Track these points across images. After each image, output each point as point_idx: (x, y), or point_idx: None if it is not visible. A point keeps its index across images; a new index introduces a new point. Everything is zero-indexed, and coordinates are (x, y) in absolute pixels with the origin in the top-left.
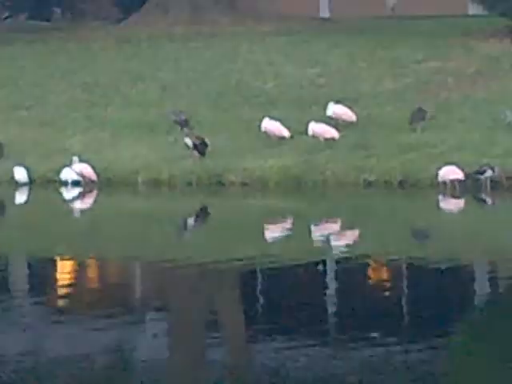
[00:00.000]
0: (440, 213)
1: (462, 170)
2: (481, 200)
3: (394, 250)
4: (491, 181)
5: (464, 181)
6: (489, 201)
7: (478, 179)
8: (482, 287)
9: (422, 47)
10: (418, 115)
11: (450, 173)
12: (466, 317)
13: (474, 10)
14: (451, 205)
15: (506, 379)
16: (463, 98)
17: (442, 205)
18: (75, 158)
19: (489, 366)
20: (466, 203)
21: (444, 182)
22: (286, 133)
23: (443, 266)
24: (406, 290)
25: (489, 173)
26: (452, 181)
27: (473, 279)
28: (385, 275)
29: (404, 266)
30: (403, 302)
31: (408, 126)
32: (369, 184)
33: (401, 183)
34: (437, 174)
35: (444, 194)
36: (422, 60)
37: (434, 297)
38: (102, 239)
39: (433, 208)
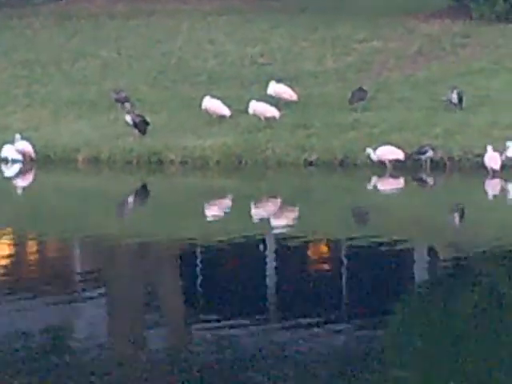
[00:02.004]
0: (379, 193)
1: (401, 149)
2: (421, 180)
3: (333, 230)
4: (432, 161)
5: (403, 161)
6: (429, 181)
7: (419, 159)
8: (419, 267)
9: (364, 27)
10: (359, 95)
11: (388, 153)
12: (404, 296)
13: None
14: (390, 185)
15: (441, 357)
16: (404, 78)
17: (381, 185)
18: (17, 136)
19: (425, 344)
20: (405, 183)
21: (382, 162)
22: (226, 111)
23: (381, 246)
24: (344, 269)
25: (429, 153)
26: (390, 161)
27: (410, 259)
28: (324, 254)
29: (342, 246)
30: (342, 280)
31: (348, 105)
32: (309, 163)
33: (341, 163)
34: (368, 154)
35: (383, 174)
36: (364, 40)
37: (372, 276)
38: (41, 217)
39: (371, 188)
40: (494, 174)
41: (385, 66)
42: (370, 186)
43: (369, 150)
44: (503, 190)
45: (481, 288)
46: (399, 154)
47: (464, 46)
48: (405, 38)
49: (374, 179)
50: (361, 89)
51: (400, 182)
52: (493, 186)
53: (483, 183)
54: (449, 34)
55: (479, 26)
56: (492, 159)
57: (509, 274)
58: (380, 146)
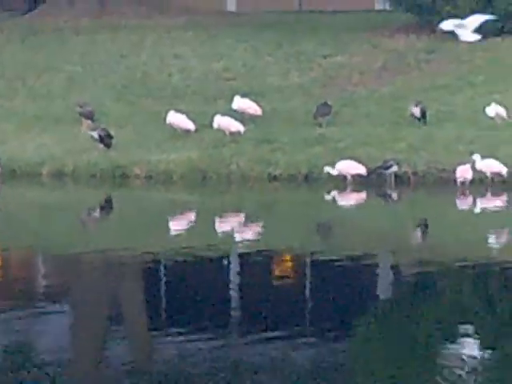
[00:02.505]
0: (343, 208)
1: (364, 164)
2: (385, 195)
3: (297, 244)
4: (396, 176)
5: (367, 175)
6: (393, 196)
7: (383, 174)
8: (383, 281)
9: (328, 42)
10: (323, 110)
11: (349, 167)
12: (367, 310)
13: (380, 5)
14: (354, 200)
15: (405, 371)
16: (368, 93)
17: (345, 200)
18: None
19: (388, 359)
20: (369, 198)
21: (345, 177)
22: (191, 126)
23: (344, 260)
24: (308, 284)
25: (394, 168)
26: (352, 175)
27: (374, 273)
28: (287, 269)
29: (306, 260)
30: (306, 295)
31: (313, 120)
32: (274, 178)
33: (306, 177)
34: (328, 172)
35: (346, 189)
36: (328, 55)
37: (335, 291)
38: (4, 231)
39: (335, 203)
40: (464, 186)
41: (349, 81)
42: (333, 201)
43: (327, 168)
44: (469, 205)
45: (444, 303)
46: (360, 169)
47: (428, 62)
48: (369, 54)
49: (338, 194)
50: (325, 104)
51: (364, 197)
52: (459, 201)
53: (448, 198)
54: (413, 50)
55: (443, 41)
56: (464, 171)
57: (472, 290)
58: (340, 160)
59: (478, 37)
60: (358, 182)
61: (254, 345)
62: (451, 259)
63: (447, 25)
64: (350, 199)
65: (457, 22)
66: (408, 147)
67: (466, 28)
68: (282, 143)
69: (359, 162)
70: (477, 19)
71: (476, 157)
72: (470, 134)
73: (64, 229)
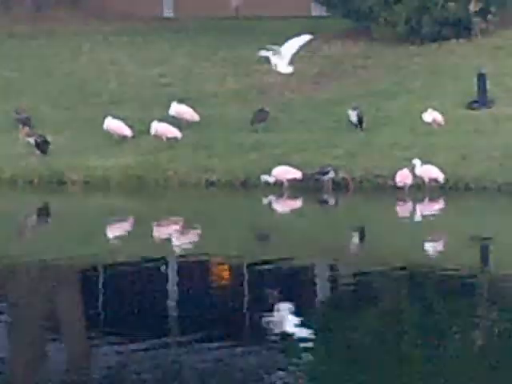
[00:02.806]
0: (279, 213)
1: (301, 170)
2: (322, 201)
3: (234, 250)
4: (333, 181)
5: (305, 181)
6: (330, 201)
7: (320, 180)
8: (321, 286)
9: (265, 48)
10: (260, 116)
11: (285, 173)
12: (306, 314)
13: (317, 11)
14: (291, 205)
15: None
16: (305, 99)
17: (283, 205)
18: None
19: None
20: (307, 204)
21: (282, 183)
22: (128, 132)
23: (282, 265)
24: (246, 289)
25: (331, 173)
26: (288, 180)
27: (312, 278)
28: (225, 274)
29: (244, 266)
30: (243, 299)
31: (250, 126)
32: (211, 184)
33: (243, 183)
34: (265, 181)
35: (283, 195)
36: (265, 61)
37: (274, 295)
38: None
39: (272, 208)
40: (404, 191)
41: (286, 87)
42: (271, 207)
43: (264, 177)
44: (406, 210)
45: (381, 306)
46: (296, 174)
47: (365, 68)
48: (306, 60)
49: (275, 200)
50: (262, 110)
51: (301, 203)
52: (396, 206)
53: (385, 203)
54: (350, 56)
55: (380, 47)
56: (404, 176)
57: (407, 293)
58: (276, 166)
59: (290, 70)
60: (295, 188)
61: (192, 349)
62: (388, 264)
63: (264, 52)
64: (287, 205)
65: (274, 48)
66: (345, 153)
67: (282, 57)
68: (219, 149)
69: (296, 168)
70: (293, 46)
71: (416, 161)
72: (406, 139)
73: (0, 235)
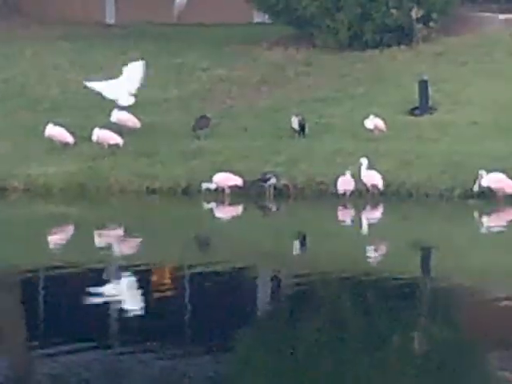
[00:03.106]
0: (222, 220)
1: (243, 177)
2: (264, 208)
3: (176, 257)
4: (275, 188)
5: (247, 188)
6: (272, 208)
7: (262, 187)
8: (262, 293)
9: (208, 55)
10: (202, 122)
11: (226, 179)
12: (246, 323)
13: (259, 18)
14: (233, 212)
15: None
16: (247, 106)
17: (224, 212)
18: None
19: (269, 368)
20: (248, 211)
21: (223, 189)
22: (70, 139)
23: (224, 273)
24: (188, 296)
25: (273, 180)
26: (230, 187)
27: (253, 285)
28: (167, 282)
29: (186, 273)
30: (186, 308)
31: (192, 133)
32: (153, 191)
33: (184, 190)
34: (207, 188)
35: (224, 202)
36: (207, 68)
37: (215, 303)
38: None
39: (214, 215)
40: (345, 198)
41: (228, 94)
42: (213, 214)
43: (205, 185)
44: (348, 217)
45: (321, 313)
46: (237, 181)
47: (307, 74)
48: (248, 66)
49: (217, 207)
50: (204, 117)
51: (243, 210)
52: (338, 213)
53: (326, 210)
54: (292, 62)
55: (322, 54)
56: (345, 182)
57: (350, 300)
58: (217, 173)
59: (131, 101)
60: (237, 195)
61: (133, 357)
62: (329, 271)
63: (91, 83)
64: (229, 212)
65: (103, 83)
66: (287, 160)
67: (122, 89)
68: (161, 156)
69: (238, 174)
70: (133, 78)
71: (363, 160)
72: (348, 146)
73: None
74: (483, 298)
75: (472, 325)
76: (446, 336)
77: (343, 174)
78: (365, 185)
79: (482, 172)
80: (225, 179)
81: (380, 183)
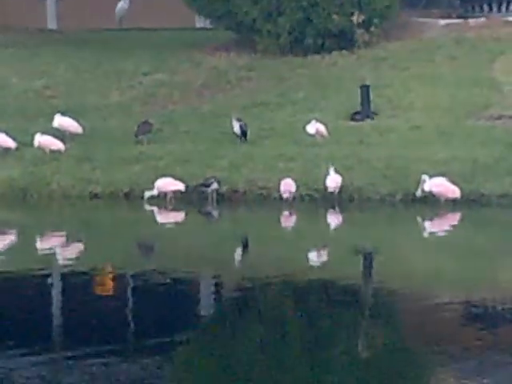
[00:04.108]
0: (165, 226)
1: (185, 182)
2: (206, 213)
3: (119, 263)
4: (217, 193)
5: (189, 193)
6: (214, 213)
7: (204, 192)
8: (205, 299)
9: (149, 60)
10: (144, 128)
11: (168, 184)
12: (190, 329)
13: (201, 23)
14: (175, 217)
15: None
16: (189, 111)
17: (167, 217)
18: None
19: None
20: (190, 216)
21: (164, 194)
22: (11, 144)
23: (167, 278)
24: (130, 303)
25: (214, 185)
26: (174, 192)
27: (196, 291)
28: (110, 288)
29: (128, 279)
30: (128, 314)
31: (134, 138)
32: (95, 196)
33: (126, 195)
34: (150, 195)
35: (165, 207)
36: (149, 72)
37: (158, 309)
38: None
39: (157, 221)
40: (288, 201)
41: (170, 99)
42: (155, 219)
43: (147, 194)
44: (290, 222)
45: (263, 318)
46: (179, 185)
47: (249, 79)
48: (190, 71)
49: (159, 212)
50: (146, 122)
51: (185, 215)
52: (280, 217)
53: (268, 215)
54: (234, 67)
55: (264, 59)
56: (287, 185)
57: (291, 305)
58: (159, 178)
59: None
60: (180, 200)
61: (76, 362)
62: (271, 276)
63: None
64: (171, 217)
65: None
66: (229, 165)
67: None
68: (103, 161)
69: (180, 179)
70: None
71: (331, 171)
72: (290, 151)
73: None
74: (425, 302)
75: (413, 329)
76: (387, 340)
77: (284, 178)
78: (326, 189)
79: (425, 177)
80: (167, 184)
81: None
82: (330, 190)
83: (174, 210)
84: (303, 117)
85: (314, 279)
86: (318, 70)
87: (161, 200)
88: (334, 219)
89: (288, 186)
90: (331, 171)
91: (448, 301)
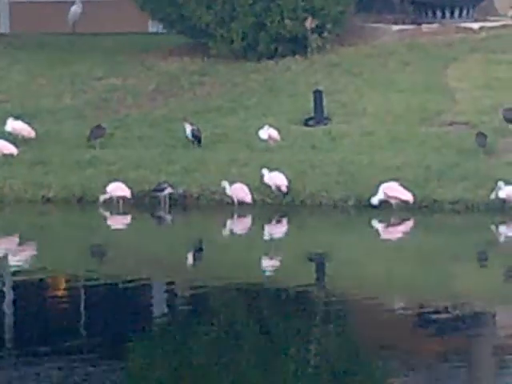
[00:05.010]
0: (118, 230)
1: (138, 187)
2: (159, 217)
3: (72, 267)
4: (170, 198)
5: (138, 198)
6: (167, 218)
7: (157, 197)
8: (158, 303)
9: (102, 64)
10: (97, 132)
11: (117, 189)
12: (143, 333)
13: (154, 28)
14: (128, 222)
15: None
16: (142, 116)
17: (119, 222)
18: None
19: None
20: (143, 221)
21: (111, 199)
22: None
23: (119, 283)
24: (83, 307)
25: (167, 190)
26: (120, 197)
27: (149, 296)
28: (62, 292)
29: (81, 283)
30: (81, 318)
31: (87, 142)
32: (47, 200)
33: (79, 200)
34: (104, 200)
35: (118, 211)
36: (102, 77)
37: (111, 314)
38: None
39: (111, 225)
40: (241, 208)
41: (123, 104)
42: (107, 224)
43: (101, 197)
44: (244, 227)
45: (216, 324)
46: (126, 192)
47: (202, 84)
48: (143, 76)
49: (112, 217)
50: (99, 126)
51: (138, 219)
52: (235, 223)
53: (221, 220)
54: (187, 72)
55: (217, 64)
56: (238, 189)
57: (243, 311)
58: (110, 182)
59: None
60: (134, 205)
61: (29, 366)
62: (224, 282)
63: None
64: (123, 222)
65: None
66: (182, 170)
67: None
68: (56, 165)
69: (133, 184)
70: None
71: (265, 171)
72: (243, 156)
73: None
74: (376, 308)
75: (364, 335)
76: (337, 345)
77: (234, 182)
78: (270, 187)
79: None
80: (115, 189)
81: (284, 183)
82: (273, 187)
83: (127, 214)
84: (256, 122)
85: (266, 284)
86: (271, 75)
87: (115, 205)
88: (286, 225)
89: (237, 191)
90: (265, 172)
91: (400, 306)
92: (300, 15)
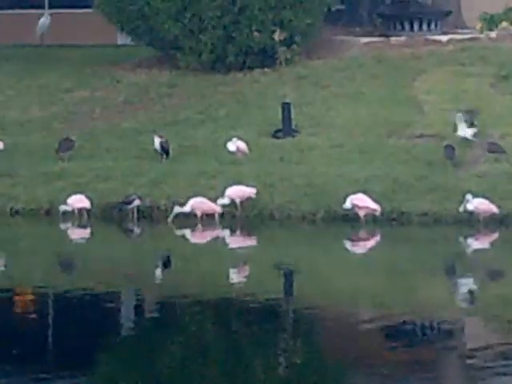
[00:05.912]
0: (85, 243)
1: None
2: (127, 230)
3: (39, 280)
4: (138, 210)
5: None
6: (136, 230)
7: (125, 209)
8: (126, 316)
9: (70, 76)
10: (66, 144)
11: (78, 201)
12: (110, 345)
13: (123, 40)
14: (96, 235)
15: None
16: (110, 127)
17: (85, 235)
18: None
19: None
20: (113, 233)
21: (73, 211)
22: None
23: (87, 296)
24: (51, 320)
25: (136, 202)
26: (80, 209)
27: (117, 308)
28: (30, 305)
29: (49, 296)
30: (49, 331)
31: (55, 154)
32: (16, 212)
33: (47, 212)
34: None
35: (85, 224)
36: (70, 89)
37: (78, 326)
38: None
39: (76, 238)
40: (209, 220)
41: (91, 116)
42: (74, 236)
43: (62, 207)
44: (213, 239)
45: (183, 337)
46: (85, 203)
47: (170, 96)
48: (111, 88)
49: (79, 229)
50: (68, 138)
51: (106, 232)
52: (204, 235)
53: (190, 232)
54: (155, 84)
55: (186, 76)
56: (198, 203)
57: (211, 324)
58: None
59: None
60: (102, 217)
61: None
62: (192, 294)
63: None
64: (90, 235)
65: None
66: (150, 182)
67: None
68: (24, 178)
69: (101, 196)
70: None
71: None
72: (211, 168)
73: None
74: (344, 321)
75: (331, 347)
76: (304, 358)
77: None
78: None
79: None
80: (76, 201)
81: (252, 192)
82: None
83: (94, 227)
84: (225, 134)
85: (234, 297)
86: (239, 87)
87: (80, 217)
88: (255, 237)
89: (197, 204)
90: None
91: (367, 319)
92: (268, 28)
